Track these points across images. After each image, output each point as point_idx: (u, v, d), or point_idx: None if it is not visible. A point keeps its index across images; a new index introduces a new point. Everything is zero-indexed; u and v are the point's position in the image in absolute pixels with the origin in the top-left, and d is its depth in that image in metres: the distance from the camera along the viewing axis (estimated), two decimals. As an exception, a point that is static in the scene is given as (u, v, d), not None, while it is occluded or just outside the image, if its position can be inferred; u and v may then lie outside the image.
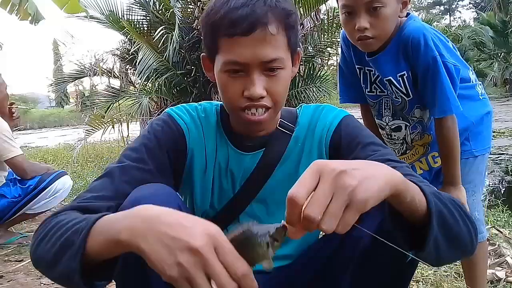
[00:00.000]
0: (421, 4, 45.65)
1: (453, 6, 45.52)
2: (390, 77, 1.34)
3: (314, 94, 5.28)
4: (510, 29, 16.41)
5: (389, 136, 1.49)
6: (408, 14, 1.34)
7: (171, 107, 1.04)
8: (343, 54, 1.49)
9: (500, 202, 3.12)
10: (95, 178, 0.92)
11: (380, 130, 1.50)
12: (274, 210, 1.02)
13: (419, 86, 1.32)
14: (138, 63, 4.79)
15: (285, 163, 1.00)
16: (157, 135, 0.96)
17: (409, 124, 1.41)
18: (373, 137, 0.97)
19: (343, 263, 0.95)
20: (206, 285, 0.57)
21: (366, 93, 1.46)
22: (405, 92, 1.35)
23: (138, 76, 4.96)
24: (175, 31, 4.75)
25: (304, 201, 0.58)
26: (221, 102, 1.05)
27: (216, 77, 0.93)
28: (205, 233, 0.59)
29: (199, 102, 1.07)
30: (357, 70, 1.45)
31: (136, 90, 5.89)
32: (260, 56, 0.85)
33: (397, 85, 1.34)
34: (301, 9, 5.12)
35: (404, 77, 1.33)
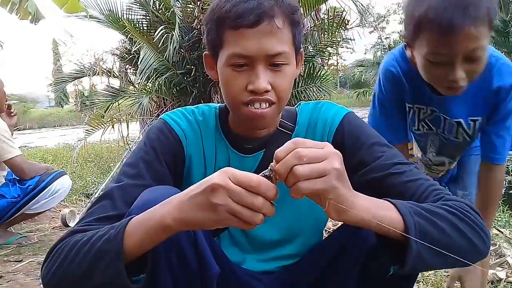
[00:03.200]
0: (421, 3, 45.64)
1: (453, 5, 45.49)
2: (461, 120, 1.21)
3: (314, 94, 5.27)
4: (511, 29, 16.40)
5: (427, 167, 1.42)
6: None
7: (166, 113, 1.03)
8: (384, 92, 1.29)
9: (501, 202, 3.11)
10: (94, 201, 0.92)
11: (418, 161, 1.42)
12: (276, 209, 1.01)
13: (487, 128, 1.23)
14: (140, 62, 4.78)
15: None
16: (153, 146, 0.95)
17: (453, 161, 1.34)
18: (377, 137, 0.96)
19: (348, 263, 0.95)
20: (242, 209, 0.66)
21: (413, 130, 1.35)
22: (471, 135, 1.24)
23: (139, 76, 4.95)
24: (175, 31, 4.75)
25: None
26: (220, 105, 1.04)
27: (219, 72, 0.92)
28: (219, 173, 0.68)
29: (197, 105, 1.06)
30: (407, 108, 1.30)
31: (135, 90, 5.88)
32: (266, 48, 0.85)
33: (466, 128, 1.22)
34: (301, 8, 5.11)
35: (477, 122, 1.21)
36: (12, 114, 2.71)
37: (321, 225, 1.10)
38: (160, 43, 4.79)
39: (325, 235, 1.15)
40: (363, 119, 1.02)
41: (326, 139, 0.98)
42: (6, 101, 2.68)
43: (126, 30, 5.02)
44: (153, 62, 4.81)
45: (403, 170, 0.88)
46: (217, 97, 5.06)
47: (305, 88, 5.27)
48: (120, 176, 0.92)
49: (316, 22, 5.65)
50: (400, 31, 21.27)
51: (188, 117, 1.01)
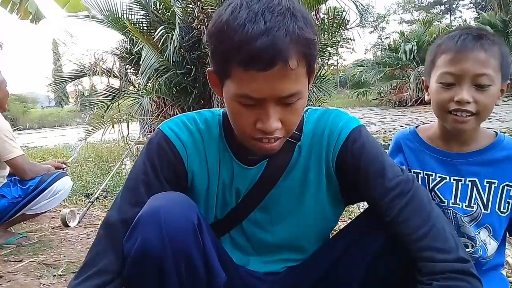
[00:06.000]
0: (422, 3, 45.65)
1: (454, 5, 45.51)
2: (476, 179, 1.15)
3: (314, 94, 5.28)
4: (511, 29, 16.40)
5: None
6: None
7: (166, 122, 0.98)
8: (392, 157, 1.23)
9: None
10: (97, 235, 0.93)
11: None
12: (278, 218, 1.01)
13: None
14: (142, 62, 4.78)
15: (290, 172, 0.97)
16: (153, 165, 0.93)
17: (475, 245, 1.16)
18: (378, 163, 0.92)
19: (354, 264, 0.96)
20: None
21: None
22: (485, 202, 1.15)
23: (141, 76, 4.95)
24: (176, 31, 4.75)
25: None
26: (223, 110, 0.99)
27: (226, 100, 0.85)
28: None
29: (199, 111, 1.01)
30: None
31: (135, 90, 5.88)
32: (278, 92, 0.78)
33: (482, 190, 1.15)
34: (301, 8, 5.11)
35: (493, 185, 1.15)
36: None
37: (327, 233, 1.10)
38: (160, 43, 4.79)
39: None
40: (369, 133, 0.99)
41: (332, 154, 0.95)
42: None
43: (126, 30, 5.03)
44: (153, 62, 4.81)
45: (397, 209, 0.90)
46: (217, 97, 5.06)
47: (305, 88, 5.27)
48: (121, 203, 0.92)
49: (316, 22, 5.65)
50: (400, 31, 21.25)
51: (189, 126, 0.96)
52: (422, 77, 1.21)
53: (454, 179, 1.16)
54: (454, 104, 1.06)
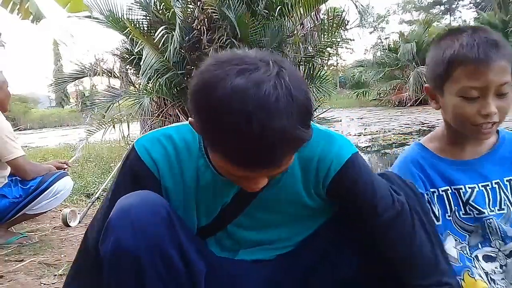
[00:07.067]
0: (421, 4, 45.65)
1: (453, 6, 45.49)
2: (499, 180, 1.13)
3: (314, 94, 5.28)
4: (511, 29, 16.39)
5: (502, 267, 1.13)
6: None
7: (141, 138, 0.98)
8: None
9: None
10: (72, 262, 1.00)
11: (485, 263, 1.14)
12: (263, 223, 1.01)
13: None
14: (142, 63, 4.79)
15: (275, 185, 0.94)
16: (126, 186, 0.95)
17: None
18: (369, 199, 0.95)
19: (345, 250, 0.99)
20: None
21: (459, 218, 1.14)
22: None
23: (142, 76, 4.96)
24: (176, 31, 4.75)
25: None
26: None
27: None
28: None
29: (179, 126, 0.98)
30: (437, 193, 1.15)
31: (136, 90, 5.89)
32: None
33: (505, 189, 1.14)
34: (301, 9, 5.13)
35: None
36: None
37: (320, 222, 1.07)
38: (161, 44, 4.80)
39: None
40: (362, 161, 0.99)
41: (322, 183, 0.95)
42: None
43: (127, 30, 5.03)
44: (154, 63, 4.82)
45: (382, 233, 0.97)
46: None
47: (305, 88, 5.27)
48: (99, 224, 0.95)
49: (316, 22, 5.66)
50: (400, 31, 21.24)
51: (164, 144, 0.94)
52: (426, 85, 1.15)
53: (482, 186, 1.13)
54: (481, 117, 1.03)
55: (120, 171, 0.99)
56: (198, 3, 5.13)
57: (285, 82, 0.71)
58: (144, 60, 4.78)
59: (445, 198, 1.14)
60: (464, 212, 1.14)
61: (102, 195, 3.73)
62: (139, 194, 0.88)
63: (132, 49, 5.41)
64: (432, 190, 1.15)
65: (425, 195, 1.13)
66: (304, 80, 0.78)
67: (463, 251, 1.13)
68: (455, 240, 1.14)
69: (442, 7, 45.53)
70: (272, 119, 0.69)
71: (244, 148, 0.71)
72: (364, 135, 9.13)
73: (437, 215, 1.13)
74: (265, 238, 1.03)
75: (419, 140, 1.23)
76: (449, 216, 1.14)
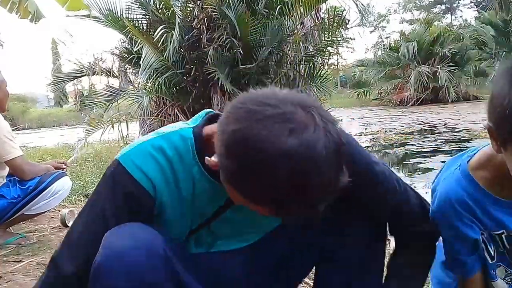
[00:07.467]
0: (422, 3, 45.67)
1: (454, 5, 45.51)
2: None
3: (315, 93, 5.28)
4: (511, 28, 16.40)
5: None
6: None
7: (127, 152, 0.93)
8: (462, 228, 1.05)
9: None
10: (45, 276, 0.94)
11: None
12: (250, 215, 0.96)
13: None
14: (141, 62, 4.78)
15: None
16: (117, 206, 0.88)
17: None
18: (364, 164, 0.98)
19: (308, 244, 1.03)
20: None
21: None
22: None
23: (140, 75, 4.95)
24: (175, 30, 4.74)
25: None
26: (193, 129, 0.91)
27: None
28: None
29: (167, 134, 0.92)
30: (492, 239, 1.07)
31: (135, 89, 5.88)
32: None
33: None
34: (301, 8, 5.12)
35: None
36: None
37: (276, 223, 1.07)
38: (160, 43, 4.79)
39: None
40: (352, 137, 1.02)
41: None
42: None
43: (126, 29, 5.02)
44: (153, 62, 4.81)
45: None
46: (217, 97, 5.06)
47: (305, 87, 5.27)
48: (77, 248, 0.90)
49: (316, 21, 5.65)
50: (401, 30, 21.24)
51: (156, 157, 0.89)
52: (488, 123, 0.91)
53: None
54: None
55: (105, 191, 0.91)
56: (198, 2, 5.13)
57: (332, 138, 0.72)
58: (143, 59, 4.77)
59: (498, 239, 1.06)
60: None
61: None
62: (132, 233, 0.83)
63: (131, 48, 5.40)
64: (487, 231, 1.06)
65: (481, 235, 1.05)
66: (335, 120, 0.78)
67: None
68: (506, 271, 1.09)
69: (443, 6, 45.58)
70: (323, 177, 0.72)
71: (287, 202, 0.74)
72: (365, 135, 9.13)
73: (493, 255, 1.07)
74: (244, 229, 1.04)
75: (465, 159, 1.06)
76: (501, 253, 1.08)
